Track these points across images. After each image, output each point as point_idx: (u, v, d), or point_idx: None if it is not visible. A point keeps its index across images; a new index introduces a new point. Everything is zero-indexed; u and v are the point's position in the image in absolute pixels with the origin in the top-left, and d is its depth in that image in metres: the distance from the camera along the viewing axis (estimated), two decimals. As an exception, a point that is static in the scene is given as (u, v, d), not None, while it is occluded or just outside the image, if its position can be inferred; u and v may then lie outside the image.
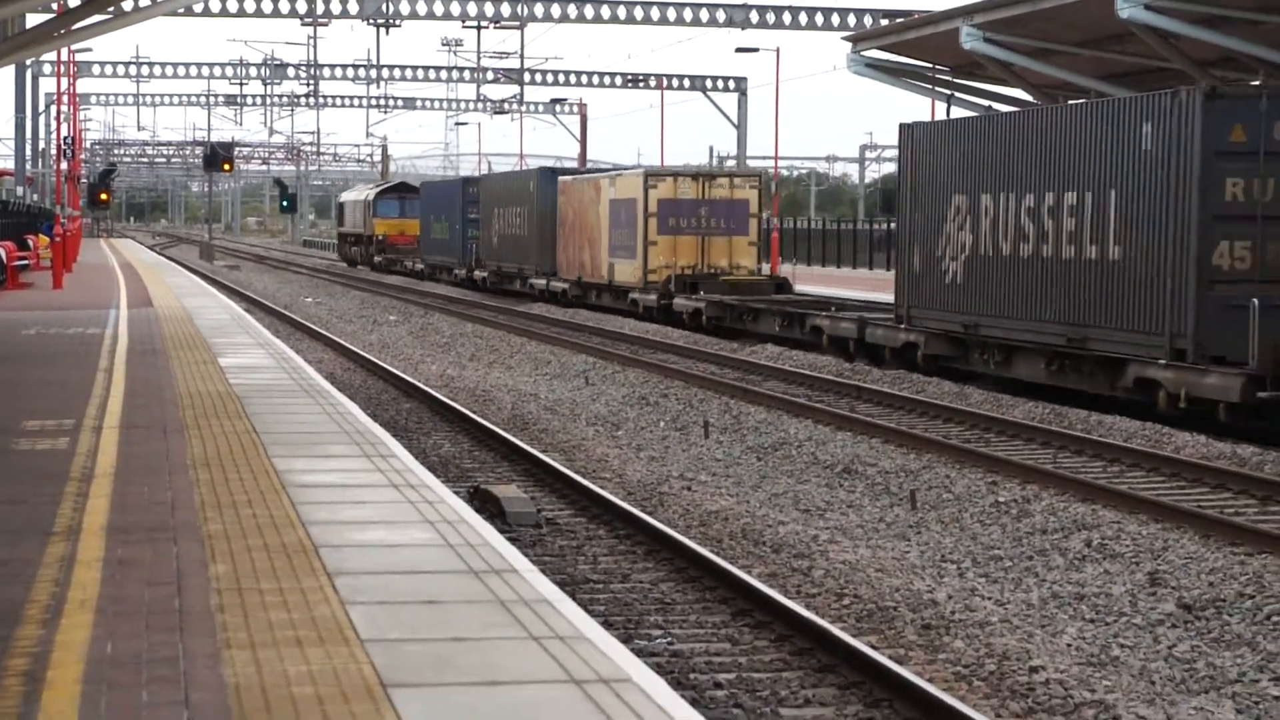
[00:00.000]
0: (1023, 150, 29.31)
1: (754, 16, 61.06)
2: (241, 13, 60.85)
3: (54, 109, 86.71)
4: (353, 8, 61.38)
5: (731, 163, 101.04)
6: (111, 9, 25.96)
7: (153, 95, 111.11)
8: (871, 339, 34.39)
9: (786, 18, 60.95)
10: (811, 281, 55.82)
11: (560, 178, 58.14)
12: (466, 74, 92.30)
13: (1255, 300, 23.23)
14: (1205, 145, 24.32)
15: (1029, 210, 28.92)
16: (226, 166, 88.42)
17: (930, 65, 44.45)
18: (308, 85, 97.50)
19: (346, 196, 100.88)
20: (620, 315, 49.73)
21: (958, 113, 44.83)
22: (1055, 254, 28.02)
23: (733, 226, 48.64)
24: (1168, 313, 25.01)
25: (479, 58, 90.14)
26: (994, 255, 30.01)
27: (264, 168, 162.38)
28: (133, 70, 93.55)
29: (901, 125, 34.46)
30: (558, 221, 57.01)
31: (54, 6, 42.43)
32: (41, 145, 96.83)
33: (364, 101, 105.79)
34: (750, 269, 48.46)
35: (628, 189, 49.91)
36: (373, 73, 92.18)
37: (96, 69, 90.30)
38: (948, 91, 45.27)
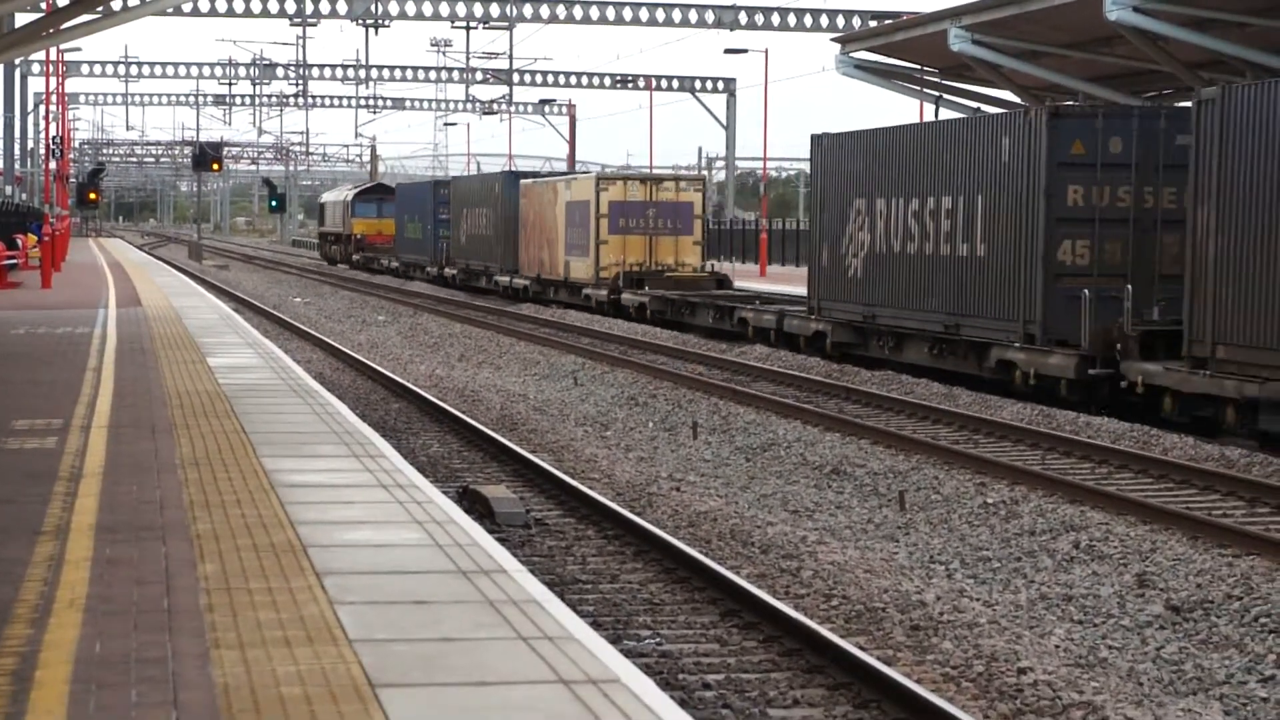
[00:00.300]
0: (910, 159, 32.82)
1: (743, 18, 61.09)
2: (230, 13, 60.83)
3: (42, 108, 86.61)
4: (341, 8, 61.36)
5: (721, 163, 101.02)
6: (100, 8, 25.93)
7: (141, 95, 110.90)
8: (788, 329, 37.76)
9: (775, 19, 60.99)
10: (795, 282, 55.87)
11: (522, 181, 60.88)
12: (455, 74, 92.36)
13: (1086, 291, 26.97)
14: (1050, 157, 27.95)
15: (914, 213, 32.55)
16: (215, 166, 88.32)
17: (919, 67, 44.51)
18: (297, 85, 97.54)
19: (327, 197, 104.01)
20: (575, 309, 52.62)
21: (946, 114, 44.90)
22: (935, 251, 31.70)
23: (678, 226, 51.78)
24: (1021, 303, 28.74)
25: (468, 58, 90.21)
26: (887, 253, 33.60)
27: (253, 168, 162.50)
28: (121, 70, 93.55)
29: (813, 136, 37.62)
30: (519, 222, 59.89)
31: (43, 5, 42.40)
32: (30, 145, 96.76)
33: (353, 102, 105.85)
34: (694, 266, 51.43)
35: (581, 192, 53.03)
36: (362, 73, 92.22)
37: (85, 68, 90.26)
38: (936, 93, 45.34)
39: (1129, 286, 26.67)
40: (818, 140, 37.16)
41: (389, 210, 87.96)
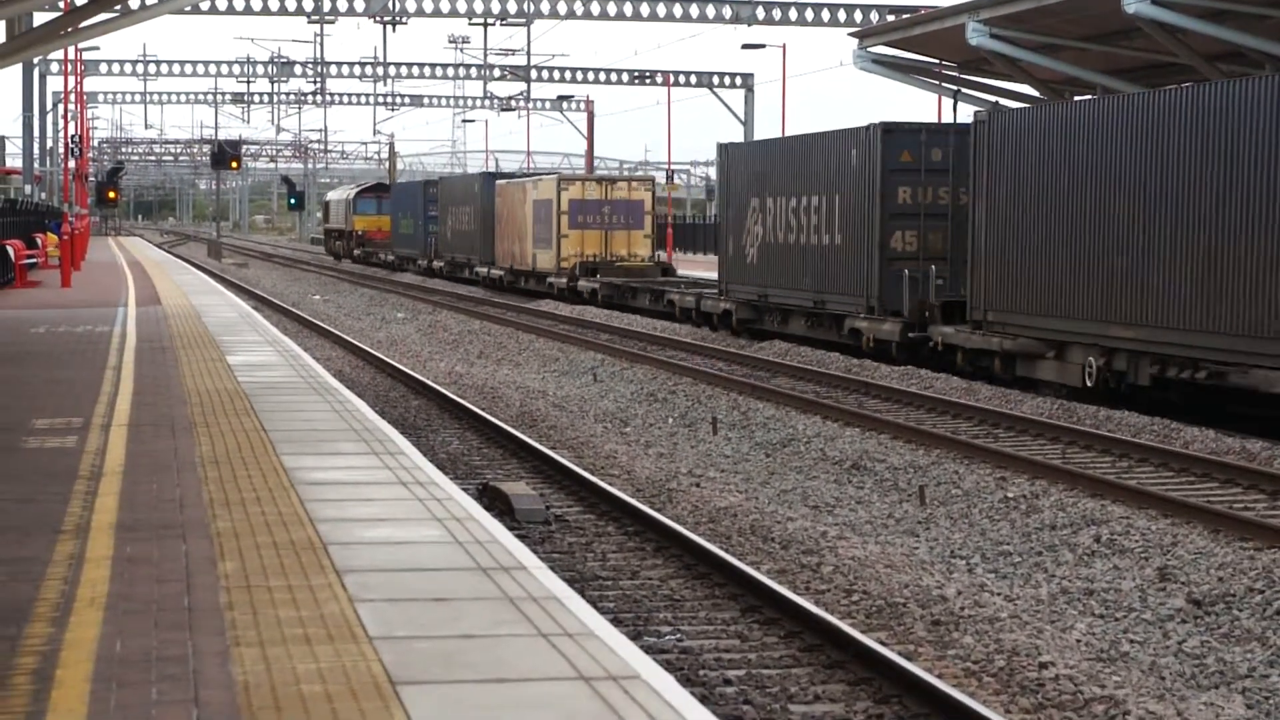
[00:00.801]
0: (788, 165, 39.29)
1: (760, 13, 60.97)
2: (248, 10, 60.85)
3: (61, 107, 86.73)
4: (359, 5, 61.37)
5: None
6: (118, 7, 25.97)
7: (160, 93, 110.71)
8: (704, 308, 43.96)
9: (793, 14, 60.87)
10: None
11: (497, 181, 67.96)
12: (473, 71, 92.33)
13: (906, 271, 33.71)
14: (884, 164, 34.50)
15: (792, 209, 38.86)
16: (234, 164, 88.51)
17: (937, 61, 44.41)
18: (315, 83, 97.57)
19: (331, 196, 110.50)
20: (539, 296, 59.61)
21: (964, 108, 44.83)
22: (807, 241, 38.08)
23: (630, 222, 58.84)
24: (865, 281, 35.18)
25: (486, 55, 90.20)
26: (774, 242, 39.95)
27: (271, 165, 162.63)
28: (140, 68, 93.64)
29: (719, 145, 45.09)
30: (495, 219, 67.03)
31: (61, 4, 42.48)
32: (49, 144, 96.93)
33: (371, 99, 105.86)
34: (644, 256, 58.55)
35: (546, 191, 59.94)
36: (380, 70, 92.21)
37: (104, 67, 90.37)
38: (954, 87, 45.24)
39: (932, 266, 33.76)
40: (724, 148, 44.25)
41: (387, 208, 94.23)
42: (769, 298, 40.11)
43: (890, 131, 34.49)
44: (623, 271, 56.49)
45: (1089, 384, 27.31)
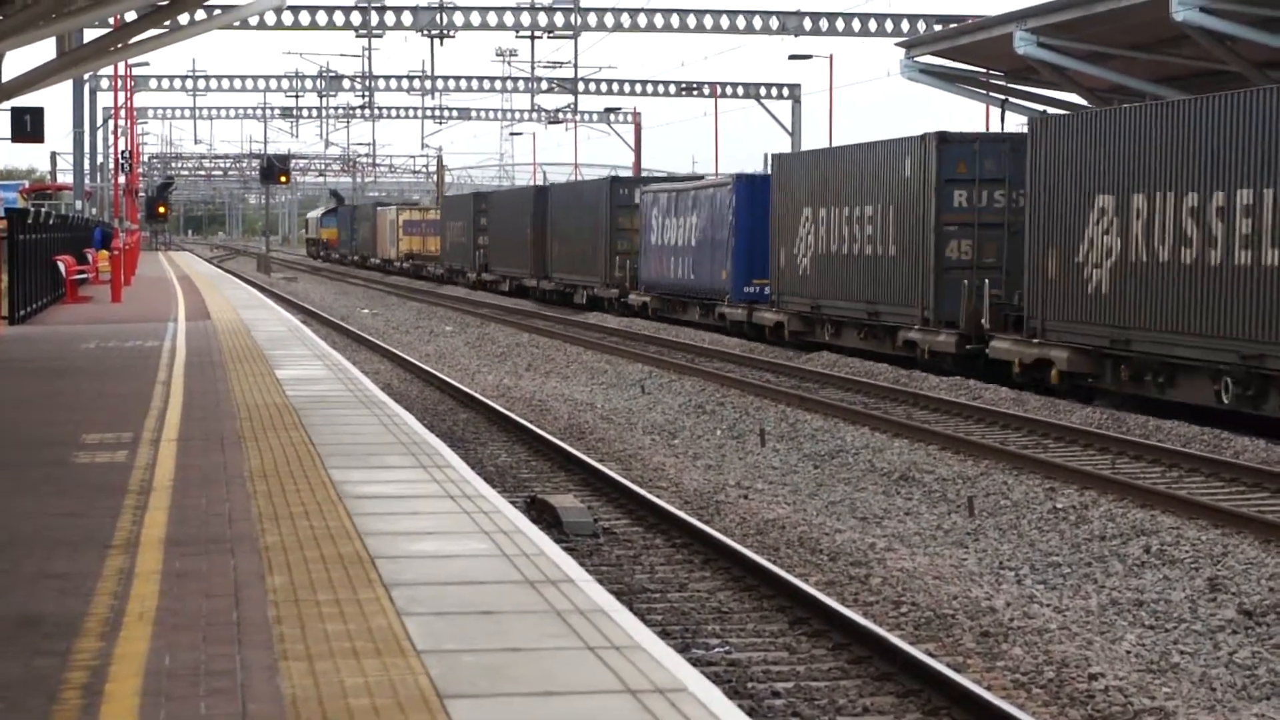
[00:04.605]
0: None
1: (807, 23, 60.94)
2: (296, 25, 61.05)
3: (111, 123, 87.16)
4: (407, 19, 61.53)
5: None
6: (168, 23, 26.10)
7: (209, 108, 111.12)
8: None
9: (840, 24, 60.83)
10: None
11: (378, 208, 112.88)
12: (521, 84, 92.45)
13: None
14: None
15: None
16: (283, 179, 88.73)
17: (984, 70, 44.34)
18: (363, 97, 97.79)
19: (310, 215, 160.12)
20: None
21: (1012, 117, 44.70)
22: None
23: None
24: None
25: (533, 67, 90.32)
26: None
27: (320, 180, 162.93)
28: (189, 84, 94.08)
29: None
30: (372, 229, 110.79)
31: (110, 21, 42.70)
32: (100, 159, 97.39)
33: (419, 112, 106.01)
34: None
35: (401, 213, 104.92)
36: (427, 84, 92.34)
37: (153, 83, 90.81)
38: (1001, 96, 45.14)
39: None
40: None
41: (332, 222, 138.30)
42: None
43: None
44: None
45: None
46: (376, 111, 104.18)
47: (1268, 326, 24.17)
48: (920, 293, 34.81)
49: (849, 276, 38.35)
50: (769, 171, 44.96)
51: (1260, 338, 24.29)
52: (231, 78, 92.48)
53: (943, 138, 34.28)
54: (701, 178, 58.59)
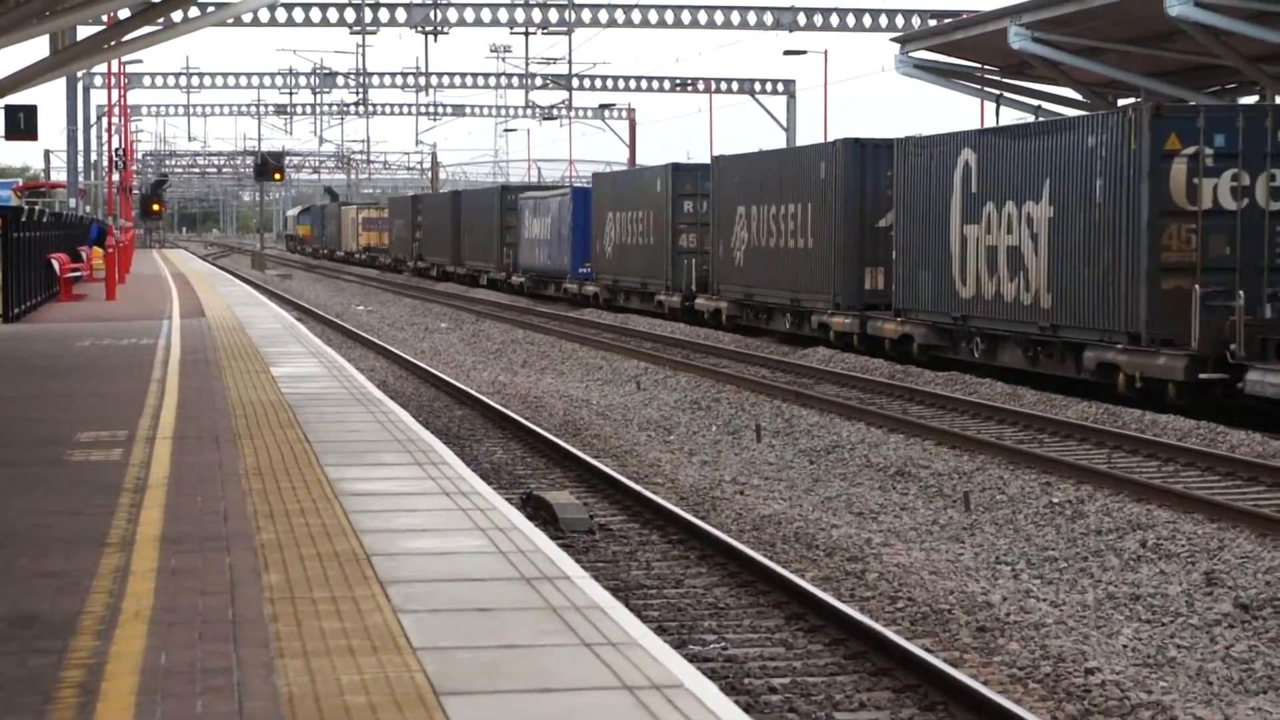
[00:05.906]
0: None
1: (801, 19, 60.93)
2: (290, 22, 61.01)
3: (105, 120, 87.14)
4: (401, 16, 61.51)
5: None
6: (161, 20, 26.08)
7: (203, 105, 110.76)
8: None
9: (834, 19, 60.81)
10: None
11: (342, 207, 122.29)
12: (515, 80, 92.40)
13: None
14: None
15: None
16: (277, 176, 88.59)
17: (979, 65, 44.34)
18: (357, 94, 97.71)
19: (289, 213, 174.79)
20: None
21: (1007, 112, 44.71)
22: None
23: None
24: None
25: (527, 64, 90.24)
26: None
27: (315, 176, 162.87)
28: (183, 81, 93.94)
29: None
30: (338, 225, 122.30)
31: (104, 19, 42.65)
32: (93, 157, 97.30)
33: (413, 109, 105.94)
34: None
35: (360, 211, 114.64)
36: (422, 80, 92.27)
37: (147, 80, 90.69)
38: (996, 91, 45.15)
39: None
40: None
41: (307, 219, 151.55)
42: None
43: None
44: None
45: None
46: (371, 108, 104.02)
47: (804, 281, 39.55)
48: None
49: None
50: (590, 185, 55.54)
51: (799, 289, 39.86)
52: (225, 75, 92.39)
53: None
54: (556, 188, 75.48)
